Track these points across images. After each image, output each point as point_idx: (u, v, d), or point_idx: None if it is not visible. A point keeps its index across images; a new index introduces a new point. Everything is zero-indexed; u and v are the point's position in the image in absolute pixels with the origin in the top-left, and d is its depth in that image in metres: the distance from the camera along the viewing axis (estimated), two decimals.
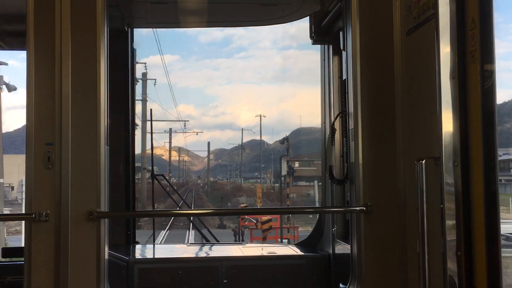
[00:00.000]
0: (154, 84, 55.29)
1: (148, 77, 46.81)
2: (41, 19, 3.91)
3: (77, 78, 3.92)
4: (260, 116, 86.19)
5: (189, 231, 26.93)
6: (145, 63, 47.25)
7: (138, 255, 5.95)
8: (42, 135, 3.87)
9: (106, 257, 3.96)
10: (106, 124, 4.00)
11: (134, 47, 6.27)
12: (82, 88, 3.93)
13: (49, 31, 3.90)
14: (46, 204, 3.84)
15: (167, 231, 30.90)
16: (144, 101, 44.25)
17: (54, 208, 3.84)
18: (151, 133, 8.99)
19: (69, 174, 3.87)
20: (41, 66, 3.90)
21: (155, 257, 6.09)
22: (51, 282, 3.83)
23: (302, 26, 6.07)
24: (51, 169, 3.86)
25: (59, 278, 3.83)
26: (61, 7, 3.92)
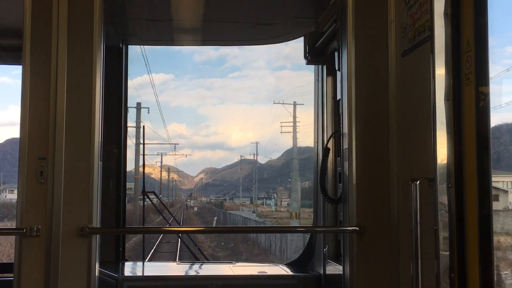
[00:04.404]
0: (148, 112, 55.46)
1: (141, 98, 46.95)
2: (37, 33, 3.90)
3: (72, 93, 3.91)
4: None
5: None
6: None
7: (127, 272, 5.89)
8: (35, 150, 3.84)
9: (96, 274, 3.91)
10: (100, 140, 3.98)
11: (129, 64, 6.27)
12: (77, 103, 3.92)
13: (46, 45, 3.90)
14: (37, 219, 3.79)
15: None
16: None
17: (46, 223, 3.80)
18: (143, 151, 8.99)
19: (61, 189, 3.84)
20: (37, 80, 3.88)
21: (145, 275, 6.02)
22: None
23: (296, 46, 6.12)
24: (43, 183, 3.82)
25: None
26: (58, 22, 3.92)
